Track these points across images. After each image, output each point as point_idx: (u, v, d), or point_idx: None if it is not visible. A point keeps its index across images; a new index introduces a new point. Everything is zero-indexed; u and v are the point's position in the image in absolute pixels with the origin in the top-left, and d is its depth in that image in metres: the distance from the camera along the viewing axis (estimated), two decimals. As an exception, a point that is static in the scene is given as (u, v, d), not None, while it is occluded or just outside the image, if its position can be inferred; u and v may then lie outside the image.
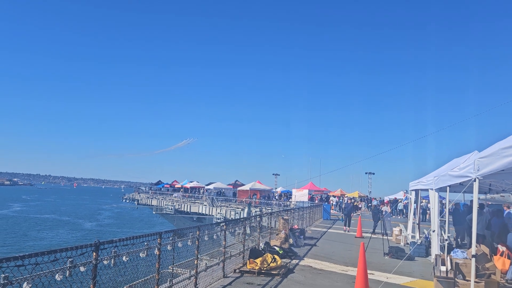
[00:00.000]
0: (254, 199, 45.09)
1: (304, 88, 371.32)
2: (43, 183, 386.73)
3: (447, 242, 12.10)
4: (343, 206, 31.54)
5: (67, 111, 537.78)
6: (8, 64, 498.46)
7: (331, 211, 41.05)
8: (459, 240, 17.19)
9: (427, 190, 14.53)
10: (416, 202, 18.36)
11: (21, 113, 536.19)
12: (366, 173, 64.44)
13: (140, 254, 6.01)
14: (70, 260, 4.50)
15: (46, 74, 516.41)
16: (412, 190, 17.65)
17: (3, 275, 3.64)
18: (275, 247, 13.15)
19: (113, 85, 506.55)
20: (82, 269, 4.74)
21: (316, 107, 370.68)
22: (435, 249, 11.94)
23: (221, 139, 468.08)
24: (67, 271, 4.44)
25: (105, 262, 5.19)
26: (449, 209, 12.56)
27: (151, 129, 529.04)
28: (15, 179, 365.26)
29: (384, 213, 22.88)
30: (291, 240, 16.04)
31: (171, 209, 48.12)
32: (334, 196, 55.13)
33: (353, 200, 49.15)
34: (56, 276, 4.31)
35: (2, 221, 60.08)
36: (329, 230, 24.48)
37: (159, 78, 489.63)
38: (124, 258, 5.57)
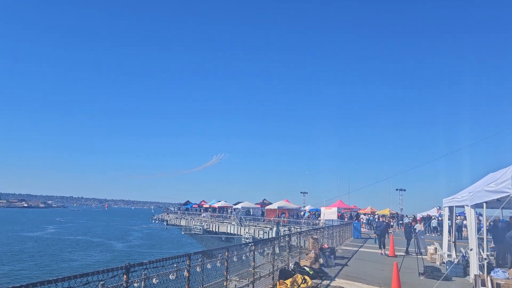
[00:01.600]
0: (282, 218, 44.64)
1: (332, 104, 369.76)
2: (75, 205, 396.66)
3: (487, 261, 11.56)
4: (374, 225, 28.70)
5: (97, 131, 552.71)
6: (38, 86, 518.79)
7: (362, 229, 40.11)
8: (499, 259, 16.38)
9: (462, 206, 14.02)
10: (450, 219, 17.70)
11: (54, 137, 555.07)
12: (397, 190, 63.00)
13: (170, 276, 6.01)
14: (101, 283, 4.54)
15: (75, 94, 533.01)
16: (446, 206, 17.05)
17: (38, 299, 3.69)
18: (305, 267, 12.91)
19: (142, 100, 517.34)
20: (113, 292, 4.77)
21: (344, 124, 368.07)
22: (474, 269, 11.42)
23: (248, 158, 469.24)
24: (99, 294, 4.47)
25: (135, 284, 5.21)
26: (487, 226, 12.05)
27: (178, 147, 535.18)
28: (49, 202, 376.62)
29: (417, 231, 22.08)
30: (321, 260, 15.71)
31: (200, 229, 48.20)
32: (365, 214, 53.92)
33: (387, 219, 47.79)
34: (88, 299, 4.35)
35: (37, 243, 61.75)
36: (360, 249, 23.87)
37: (185, 92, 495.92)
38: (154, 280, 5.58)
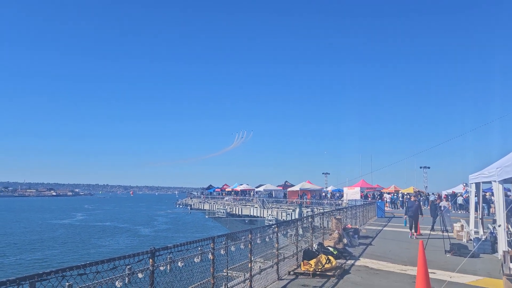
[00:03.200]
0: (304, 199, 44.70)
1: (353, 83, 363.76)
2: (100, 192, 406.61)
3: (515, 237, 11.33)
4: (405, 205, 25.81)
5: (118, 118, 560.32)
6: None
7: (385, 208, 39.84)
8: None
9: (489, 182, 13.70)
10: (477, 195, 17.34)
11: (78, 126, 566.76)
12: (421, 167, 62.12)
13: (195, 259, 6.11)
14: (128, 267, 4.65)
15: (95, 82, 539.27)
16: (473, 183, 16.70)
17: (68, 284, 3.82)
18: (329, 247, 12.94)
19: (165, 84, 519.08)
20: (140, 275, 4.88)
21: (366, 102, 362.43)
22: (502, 245, 11.22)
23: (269, 140, 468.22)
24: (126, 278, 4.59)
25: (161, 268, 5.32)
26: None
27: (201, 130, 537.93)
28: (77, 190, 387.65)
29: (442, 208, 21.71)
30: (345, 240, 15.71)
31: (223, 212, 48.81)
32: (388, 193, 53.47)
33: (419, 198, 46.27)
34: (116, 283, 4.47)
35: (67, 230, 63.83)
36: (385, 229, 23.75)
37: (207, 75, 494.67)
38: (179, 263, 5.68)
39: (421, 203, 49.44)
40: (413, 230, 19.42)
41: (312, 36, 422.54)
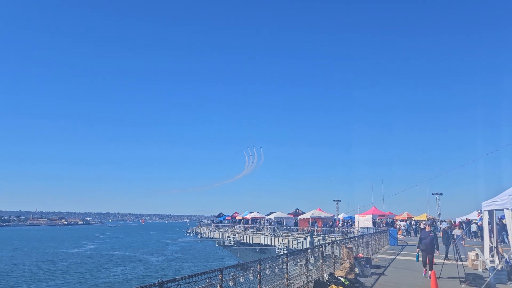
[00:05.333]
0: (316, 227, 44.19)
1: (364, 108, 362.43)
2: (110, 221, 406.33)
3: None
4: (418, 235, 20.70)
5: (128, 146, 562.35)
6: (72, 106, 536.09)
7: (398, 236, 39.14)
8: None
9: (502, 210, 13.48)
10: (490, 223, 17.01)
11: (90, 154, 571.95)
12: (433, 194, 61.20)
13: (203, 291, 6.08)
14: (136, 299, 4.65)
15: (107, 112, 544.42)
16: (486, 210, 16.41)
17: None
18: (340, 278, 12.71)
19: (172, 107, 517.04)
20: (148, 308, 4.88)
21: (377, 127, 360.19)
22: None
23: (279, 166, 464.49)
24: (134, 311, 4.59)
25: (169, 300, 5.31)
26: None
27: (210, 158, 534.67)
28: (88, 219, 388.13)
29: (456, 236, 21.23)
30: (356, 270, 15.43)
31: (234, 241, 48.35)
32: (402, 221, 52.61)
33: (428, 227, 44.18)
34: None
35: (78, 260, 63.60)
36: (398, 257, 23.26)
37: (216, 98, 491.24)
38: (187, 296, 5.66)
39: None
40: (427, 267, 16.35)
41: (322, 57, 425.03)
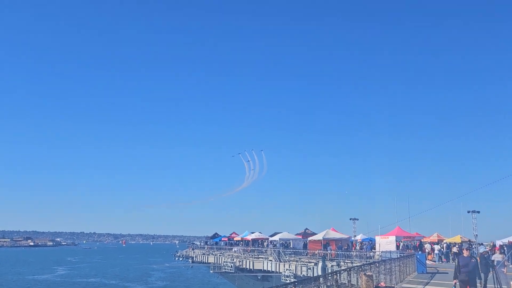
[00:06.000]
0: (329, 251, 44.06)
1: (387, 109, 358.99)
2: (84, 242, 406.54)
3: None
4: (456, 262, 17.67)
5: (107, 158, 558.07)
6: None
7: (427, 261, 38.96)
8: None
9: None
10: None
11: (62, 165, 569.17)
12: (468, 212, 60.84)
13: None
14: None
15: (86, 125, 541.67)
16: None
17: None
18: (358, 311, 12.66)
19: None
20: None
21: (401, 132, 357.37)
22: None
23: (284, 177, 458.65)
24: None
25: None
26: None
27: (203, 162, 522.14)
28: (58, 239, 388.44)
29: (496, 262, 21.16)
30: (378, 302, 15.35)
31: (231, 266, 48.20)
32: (434, 243, 52.38)
33: (467, 252, 43.03)
34: None
35: (46, 288, 63.49)
36: (427, 287, 23.18)
37: (217, 103, 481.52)
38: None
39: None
40: None
41: (340, 48, 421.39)
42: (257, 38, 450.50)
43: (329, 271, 30.96)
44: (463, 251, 17.07)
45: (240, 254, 51.61)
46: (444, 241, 52.79)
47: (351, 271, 16.98)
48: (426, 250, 48.05)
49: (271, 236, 59.35)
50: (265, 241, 59.45)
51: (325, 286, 13.74)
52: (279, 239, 55.48)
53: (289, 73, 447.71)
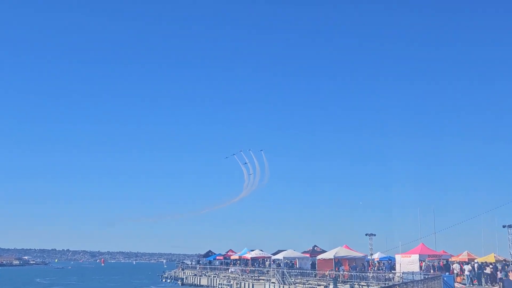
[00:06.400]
0: (341, 272, 44.06)
1: (407, 106, 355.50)
2: (56, 260, 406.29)
3: None
4: (491, 285, 17.01)
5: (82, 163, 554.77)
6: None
7: (456, 284, 39.03)
8: None
9: None
10: None
11: (30, 173, 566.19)
12: (504, 227, 60.95)
13: None
14: None
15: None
16: None
17: None
18: None
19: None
20: None
21: (425, 133, 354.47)
22: None
23: (289, 185, 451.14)
24: None
25: None
26: None
27: (195, 167, 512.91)
28: (26, 257, 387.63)
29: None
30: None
31: (228, 289, 48.27)
32: (460, 263, 52.42)
33: (503, 274, 40.97)
34: None
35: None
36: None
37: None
38: None
39: (503, 276, 48.39)
40: None
41: (347, 36, 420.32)
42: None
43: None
44: (509, 274, 16.86)
45: (238, 275, 51.74)
46: (476, 261, 52.74)
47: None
48: (455, 271, 48.05)
49: (274, 254, 59.44)
50: (267, 260, 59.48)
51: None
52: (283, 257, 55.33)
53: (293, 65, 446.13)
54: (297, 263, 54.14)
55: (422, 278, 31.84)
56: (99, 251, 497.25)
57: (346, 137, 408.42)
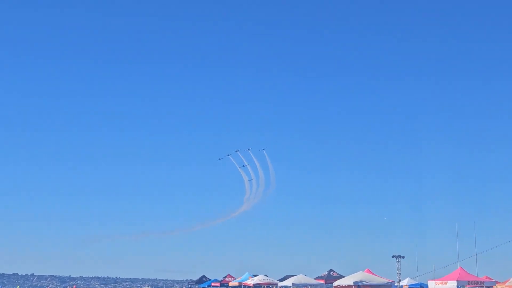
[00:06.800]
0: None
1: (439, 103, 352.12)
2: (18, 287, 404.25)
3: None
4: None
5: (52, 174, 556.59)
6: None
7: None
8: None
9: None
10: None
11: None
12: None
13: None
14: None
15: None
16: None
17: None
18: None
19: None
20: None
21: (463, 144, 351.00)
22: None
23: (298, 197, 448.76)
24: None
25: None
26: None
27: (185, 173, 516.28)
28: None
29: None
30: None
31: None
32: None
33: None
34: None
35: None
36: None
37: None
38: None
39: None
40: None
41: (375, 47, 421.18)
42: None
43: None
44: None
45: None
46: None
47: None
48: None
49: (281, 280, 59.77)
50: (273, 287, 59.28)
51: None
52: (293, 284, 55.55)
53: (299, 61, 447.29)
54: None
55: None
56: (70, 276, 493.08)
57: (369, 145, 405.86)
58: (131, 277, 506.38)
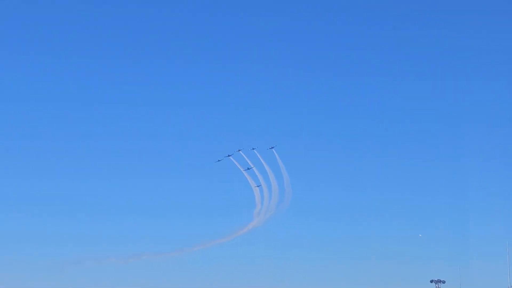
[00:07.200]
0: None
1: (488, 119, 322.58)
2: None
3: None
4: None
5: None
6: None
7: None
8: None
9: None
10: None
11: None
12: None
13: None
14: None
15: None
16: None
17: None
18: None
19: None
20: None
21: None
22: None
23: (321, 214, 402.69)
24: None
25: None
26: None
27: (182, 182, 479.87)
28: None
29: None
30: None
31: None
32: None
33: None
34: None
35: None
36: None
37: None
38: None
39: None
40: None
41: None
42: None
43: None
44: None
45: None
46: None
47: None
48: None
49: None
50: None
51: None
52: None
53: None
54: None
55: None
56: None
57: (395, 152, 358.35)
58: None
